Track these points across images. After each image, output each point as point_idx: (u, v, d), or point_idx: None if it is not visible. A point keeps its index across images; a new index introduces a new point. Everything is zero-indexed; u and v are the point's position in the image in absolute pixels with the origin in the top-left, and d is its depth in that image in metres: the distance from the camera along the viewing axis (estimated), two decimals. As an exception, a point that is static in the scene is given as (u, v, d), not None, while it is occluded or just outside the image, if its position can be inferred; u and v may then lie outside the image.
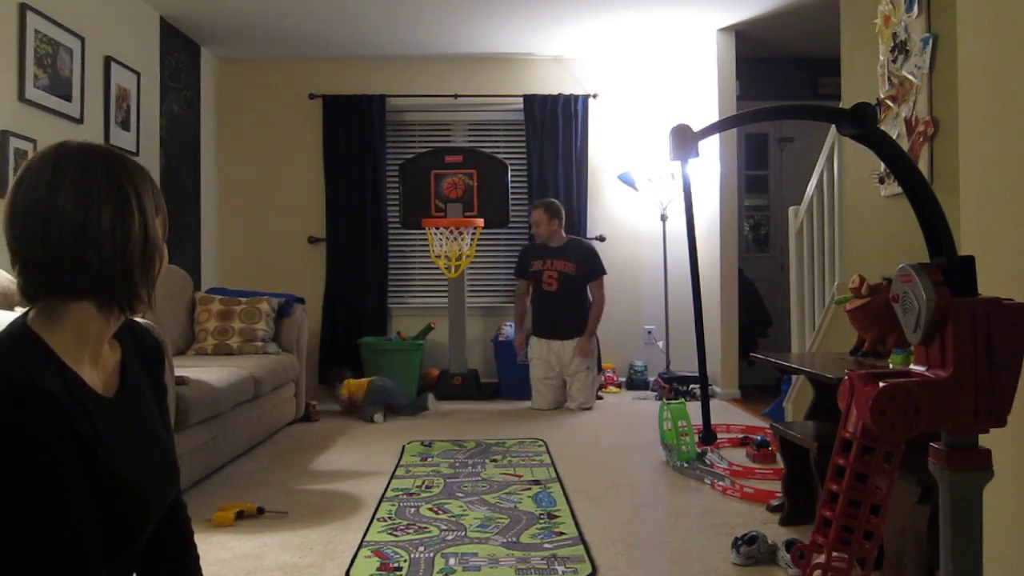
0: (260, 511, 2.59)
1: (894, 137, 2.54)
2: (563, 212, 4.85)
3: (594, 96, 5.63)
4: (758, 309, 5.53)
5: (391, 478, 3.09)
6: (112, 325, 0.99)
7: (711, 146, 5.07)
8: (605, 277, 4.79)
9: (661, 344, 5.47)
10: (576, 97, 5.58)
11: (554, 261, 4.73)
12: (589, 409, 4.66)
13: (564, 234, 4.84)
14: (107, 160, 0.96)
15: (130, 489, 0.95)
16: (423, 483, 3.02)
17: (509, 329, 5.32)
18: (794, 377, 4.10)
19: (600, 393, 5.09)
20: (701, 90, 5.36)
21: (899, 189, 2.13)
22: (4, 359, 0.88)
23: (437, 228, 5.13)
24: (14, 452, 0.82)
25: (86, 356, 0.96)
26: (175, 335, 4.08)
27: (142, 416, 1.07)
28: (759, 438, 3.42)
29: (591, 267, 4.75)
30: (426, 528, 2.47)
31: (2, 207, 0.95)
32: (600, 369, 5.12)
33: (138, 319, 1.18)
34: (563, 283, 4.71)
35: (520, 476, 3.12)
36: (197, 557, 1.19)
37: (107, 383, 1.01)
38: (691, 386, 4.98)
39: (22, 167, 0.94)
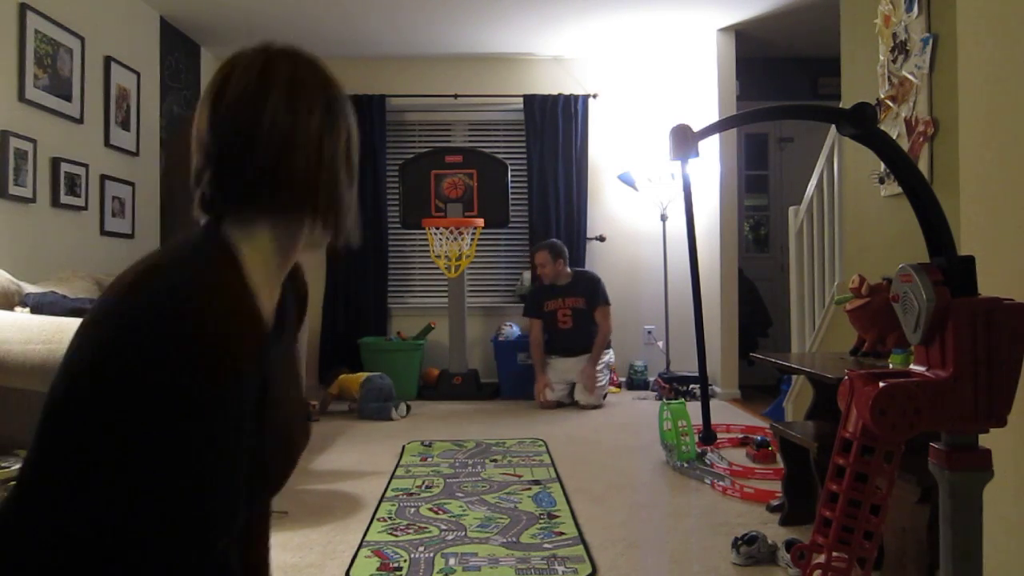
0: (260, 511, 2.59)
1: (894, 137, 2.54)
2: (566, 250, 4.92)
3: (594, 96, 5.63)
4: (758, 309, 5.53)
5: (391, 478, 3.09)
6: (299, 249, 0.90)
7: (711, 146, 5.07)
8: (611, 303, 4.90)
9: (661, 344, 5.47)
10: (576, 97, 5.58)
11: (565, 299, 4.86)
12: (599, 407, 4.70)
13: (568, 270, 4.90)
14: (314, 66, 0.89)
15: (286, 431, 0.88)
16: (423, 483, 3.02)
17: (508, 329, 5.33)
18: (794, 377, 4.10)
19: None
20: (701, 90, 5.36)
21: (899, 189, 2.13)
22: (209, 266, 0.79)
23: (437, 228, 5.13)
24: (210, 356, 0.72)
25: (268, 282, 0.87)
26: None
27: (290, 362, 0.98)
28: (759, 438, 3.42)
29: (596, 297, 4.85)
30: (426, 528, 2.47)
31: (202, 111, 0.87)
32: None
33: None
34: (576, 318, 4.85)
35: (520, 476, 3.12)
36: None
37: (268, 318, 0.89)
38: (691, 386, 4.98)
39: (223, 71, 0.87)
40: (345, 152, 0.90)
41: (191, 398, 0.72)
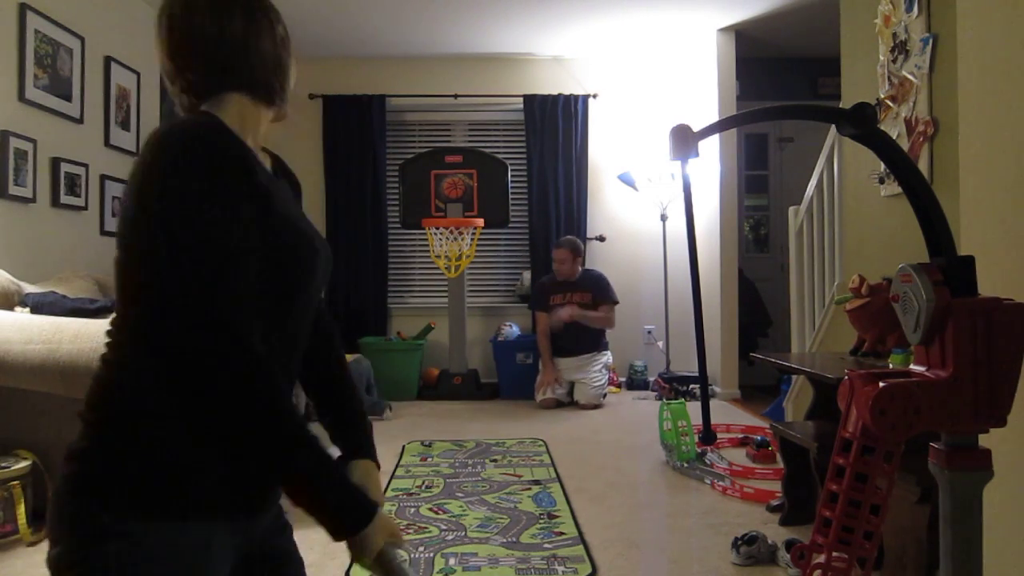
0: (260, 511, 2.59)
1: (894, 137, 2.54)
2: (583, 248, 4.99)
3: (594, 96, 5.63)
4: (758, 309, 5.53)
5: (391, 478, 3.09)
6: (263, 121, 1.14)
7: (711, 146, 5.07)
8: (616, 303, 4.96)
9: (661, 344, 5.47)
10: (576, 97, 5.58)
11: (572, 295, 4.91)
12: (599, 407, 4.70)
13: (579, 268, 4.98)
14: None
15: (302, 237, 1.08)
16: (423, 483, 3.02)
17: (508, 329, 5.33)
18: (794, 377, 4.10)
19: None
20: (701, 90, 5.36)
21: (899, 189, 2.13)
22: (199, 124, 1.01)
23: (437, 228, 5.13)
24: (217, 177, 0.95)
25: (248, 140, 1.09)
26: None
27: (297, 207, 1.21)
28: (759, 438, 3.42)
29: (602, 293, 4.92)
30: (426, 528, 2.47)
31: (165, 37, 1.10)
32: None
33: None
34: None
35: (520, 476, 3.12)
36: (343, 356, 1.32)
37: (262, 161, 1.13)
38: (691, 386, 4.98)
39: (161, 12, 1.10)
40: (276, 47, 1.14)
41: (205, 186, 0.95)
